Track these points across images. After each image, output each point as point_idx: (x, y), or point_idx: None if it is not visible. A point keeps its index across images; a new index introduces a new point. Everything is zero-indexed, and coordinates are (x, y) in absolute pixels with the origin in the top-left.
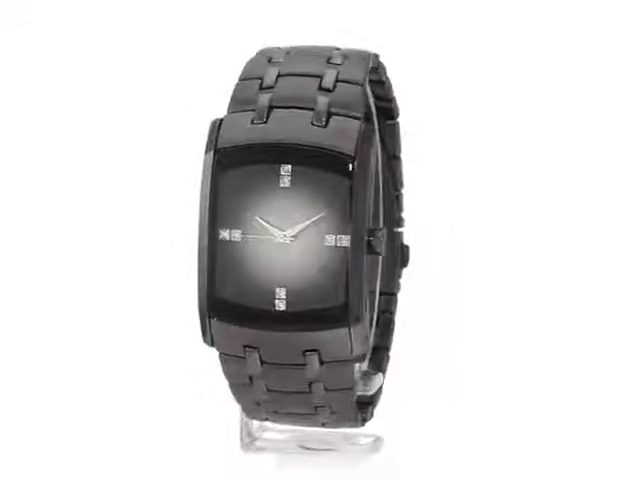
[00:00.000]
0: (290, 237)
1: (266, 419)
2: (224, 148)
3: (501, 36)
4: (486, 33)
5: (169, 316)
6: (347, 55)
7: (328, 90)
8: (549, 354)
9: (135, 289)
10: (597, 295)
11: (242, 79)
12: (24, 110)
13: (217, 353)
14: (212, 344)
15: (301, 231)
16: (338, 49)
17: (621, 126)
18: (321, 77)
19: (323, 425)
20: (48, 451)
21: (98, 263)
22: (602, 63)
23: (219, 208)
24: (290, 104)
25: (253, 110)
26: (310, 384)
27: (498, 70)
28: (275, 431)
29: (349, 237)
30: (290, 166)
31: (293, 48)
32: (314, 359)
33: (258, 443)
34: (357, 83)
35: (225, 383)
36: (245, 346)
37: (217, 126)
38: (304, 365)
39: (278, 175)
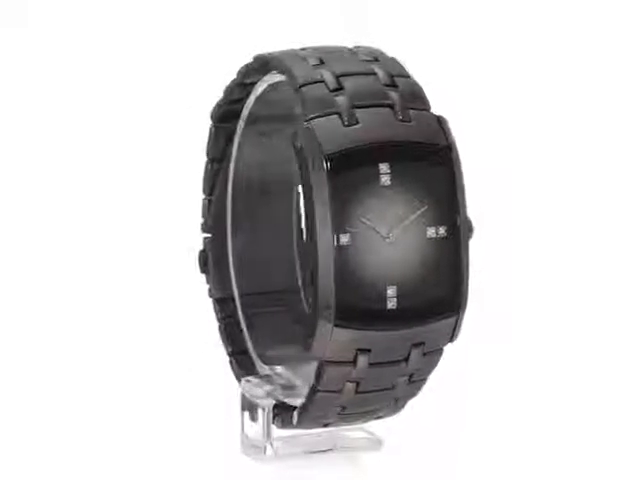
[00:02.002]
0: (396, 235)
1: (323, 425)
2: (332, 154)
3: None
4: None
5: (173, 319)
6: (369, 52)
7: (393, 86)
8: (551, 353)
9: (134, 290)
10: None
11: (302, 84)
12: (23, 109)
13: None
14: (320, 353)
15: (406, 227)
16: (350, 47)
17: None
18: (375, 74)
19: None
20: (49, 454)
21: (93, 264)
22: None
23: (332, 213)
24: (368, 103)
25: (335, 113)
26: (398, 378)
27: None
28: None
29: (446, 227)
30: (395, 164)
31: (308, 49)
32: (419, 352)
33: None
34: (408, 76)
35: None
36: (358, 349)
37: (312, 133)
38: (407, 360)
39: (382, 174)
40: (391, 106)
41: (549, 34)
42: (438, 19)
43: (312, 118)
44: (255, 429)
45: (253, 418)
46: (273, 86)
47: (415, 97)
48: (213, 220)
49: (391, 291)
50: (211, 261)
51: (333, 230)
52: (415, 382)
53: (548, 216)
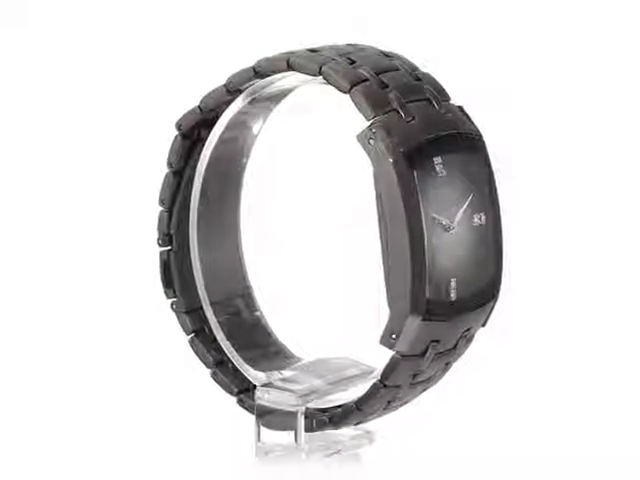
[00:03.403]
0: (455, 225)
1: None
2: (407, 150)
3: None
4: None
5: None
6: (374, 47)
7: (419, 80)
8: (547, 352)
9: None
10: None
11: (352, 85)
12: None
13: None
14: (404, 348)
15: (461, 217)
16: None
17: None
18: (399, 69)
19: None
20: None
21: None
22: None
23: (415, 208)
24: (413, 98)
25: (392, 110)
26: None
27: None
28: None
29: (485, 213)
30: (448, 155)
31: (324, 48)
32: (464, 339)
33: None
34: (419, 69)
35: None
36: (432, 341)
37: (383, 131)
38: (456, 347)
39: (437, 165)
40: (429, 99)
41: (547, 34)
42: (437, 19)
43: (375, 117)
44: (280, 436)
45: (278, 426)
46: (263, 94)
47: (439, 89)
48: (175, 232)
49: (453, 282)
50: (175, 274)
51: (424, 226)
52: (446, 370)
53: (547, 213)
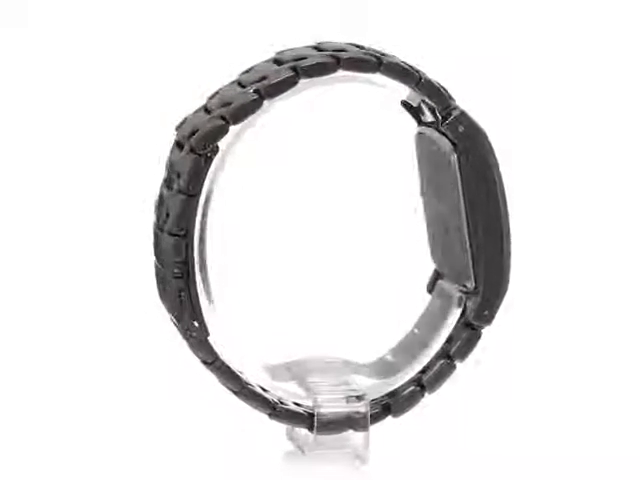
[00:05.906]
0: None
1: None
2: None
3: None
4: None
5: None
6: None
7: None
8: (544, 351)
9: None
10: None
11: (420, 76)
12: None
13: None
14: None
15: None
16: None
17: None
18: None
19: None
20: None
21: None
22: None
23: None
24: None
25: (451, 98)
26: None
27: None
28: None
29: None
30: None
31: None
32: None
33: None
34: None
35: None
36: None
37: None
38: None
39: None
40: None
41: (549, 36)
42: (437, 19)
43: (451, 104)
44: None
45: (336, 430)
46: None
47: None
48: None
49: None
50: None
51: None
52: None
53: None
